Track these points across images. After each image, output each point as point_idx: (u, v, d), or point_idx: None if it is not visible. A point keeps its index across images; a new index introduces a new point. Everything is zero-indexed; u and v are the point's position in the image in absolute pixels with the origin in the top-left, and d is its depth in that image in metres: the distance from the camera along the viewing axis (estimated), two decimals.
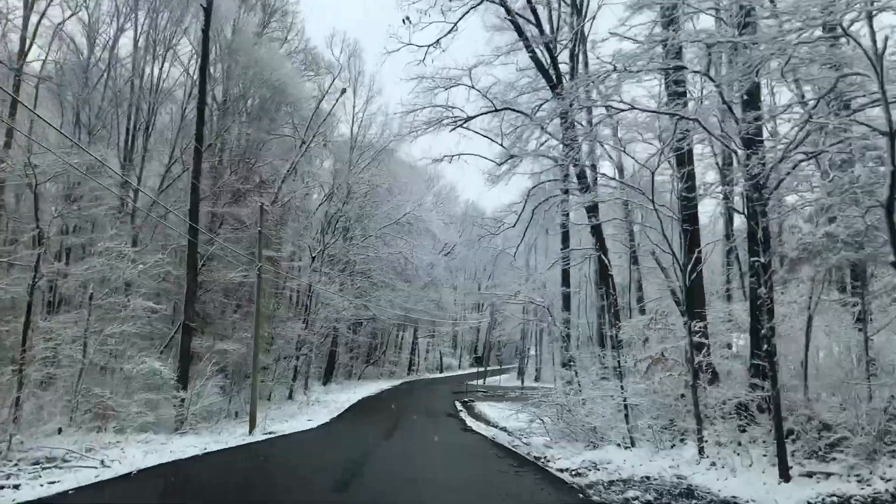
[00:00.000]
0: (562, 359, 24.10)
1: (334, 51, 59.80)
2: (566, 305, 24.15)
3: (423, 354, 77.73)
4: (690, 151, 15.67)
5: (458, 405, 36.75)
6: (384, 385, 49.66)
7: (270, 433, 21.82)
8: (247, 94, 29.69)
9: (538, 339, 61.76)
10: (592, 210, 19.90)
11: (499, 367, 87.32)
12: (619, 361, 13.90)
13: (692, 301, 13.76)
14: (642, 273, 26.33)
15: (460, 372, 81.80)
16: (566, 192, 23.20)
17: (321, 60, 38.56)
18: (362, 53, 69.98)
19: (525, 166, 28.31)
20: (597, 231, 19.82)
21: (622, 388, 13.34)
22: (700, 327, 13.23)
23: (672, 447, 12.41)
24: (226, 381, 25.50)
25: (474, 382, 53.75)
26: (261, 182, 29.93)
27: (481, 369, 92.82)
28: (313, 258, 38.74)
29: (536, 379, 57.84)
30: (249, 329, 28.55)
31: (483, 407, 36.13)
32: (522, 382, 48.56)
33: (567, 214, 23.69)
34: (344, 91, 35.02)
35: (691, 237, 14.30)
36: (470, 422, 28.47)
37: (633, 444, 13.32)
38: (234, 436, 20.92)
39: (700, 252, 14.07)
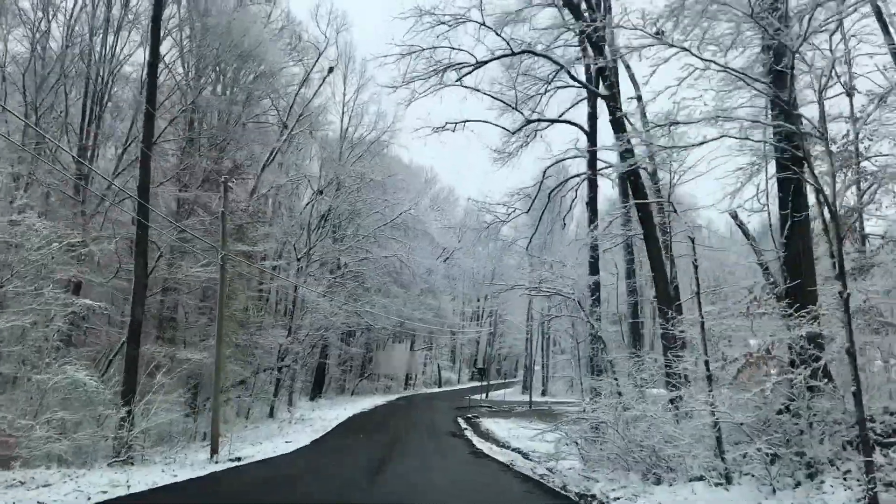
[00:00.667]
0: (594, 363, 19.98)
1: (320, 24, 55.84)
2: (595, 300, 20.10)
3: (421, 368, 73.34)
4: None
5: (462, 422, 32.65)
6: (379, 400, 45.49)
7: (236, 459, 17.71)
8: (220, 63, 25.74)
9: (545, 351, 57.54)
10: (632, 178, 15.93)
11: (501, 381, 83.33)
12: (706, 364, 9.86)
13: (800, 275, 9.85)
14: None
15: (460, 386, 77.57)
16: (592, 164, 19.29)
17: (305, 33, 34.47)
18: (351, 28, 66.08)
19: (536, 149, 24.49)
20: (644, 209, 15.85)
21: (710, 400, 9.36)
22: (814, 314, 9.26)
23: (797, 486, 8.44)
24: (189, 395, 21.38)
25: (477, 397, 49.63)
26: (235, 167, 25.94)
27: (483, 383, 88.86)
28: (299, 259, 34.77)
29: (543, 393, 53.69)
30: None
31: (490, 424, 32.07)
32: (531, 397, 44.34)
33: (594, 191, 19.72)
34: (331, 70, 31.25)
35: (796, 187, 10.36)
36: (478, 442, 24.38)
37: (728, 481, 9.35)
38: (191, 464, 16.82)
39: (807, 205, 10.20)
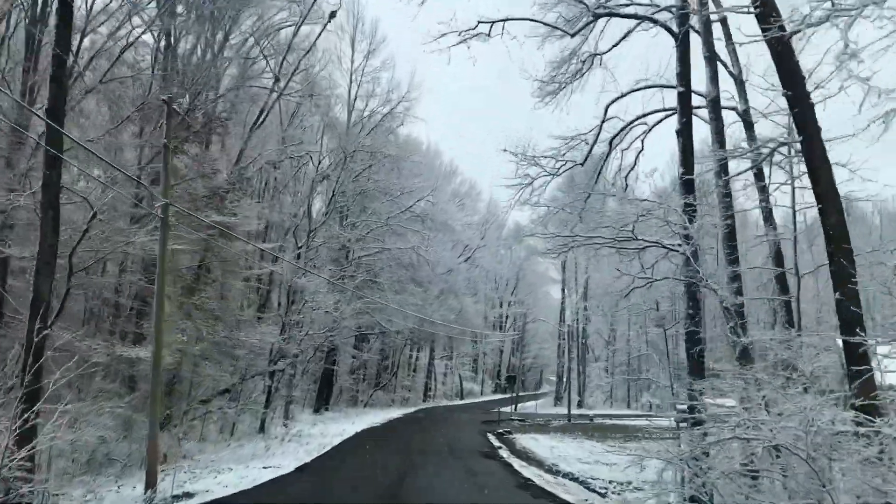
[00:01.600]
0: (695, 357, 14.17)
1: None
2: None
3: (441, 378, 67.40)
4: None
5: (493, 439, 27.02)
6: (395, 413, 39.96)
7: (181, 497, 12.22)
8: None
9: (580, 358, 51.62)
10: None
11: (527, 393, 77.22)
12: None
13: None
14: None
15: (483, 399, 71.64)
16: (685, 79, 13.67)
17: None
18: None
19: (588, 91, 18.86)
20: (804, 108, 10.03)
21: None
22: None
23: None
24: (131, 405, 16.00)
25: (505, 409, 43.88)
26: (210, 121, 20.67)
27: (509, 395, 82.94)
28: (299, 246, 29.39)
29: (580, 405, 47.81)
30: (186, 328, 19.08)
31: (526, 441, 26.41)
32: (569, 409, 38.45)
33: (687, 115, 14.01)
34: (333, 15, 25.97)
35: None
36: (520, 466, 18.73)
37: None
38: None
39: None
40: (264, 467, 15.86)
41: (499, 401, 67.14)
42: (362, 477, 15.24)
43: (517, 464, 19.29)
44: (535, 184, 17.45)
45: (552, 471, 18.51)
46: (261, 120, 25.12)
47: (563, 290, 52.67)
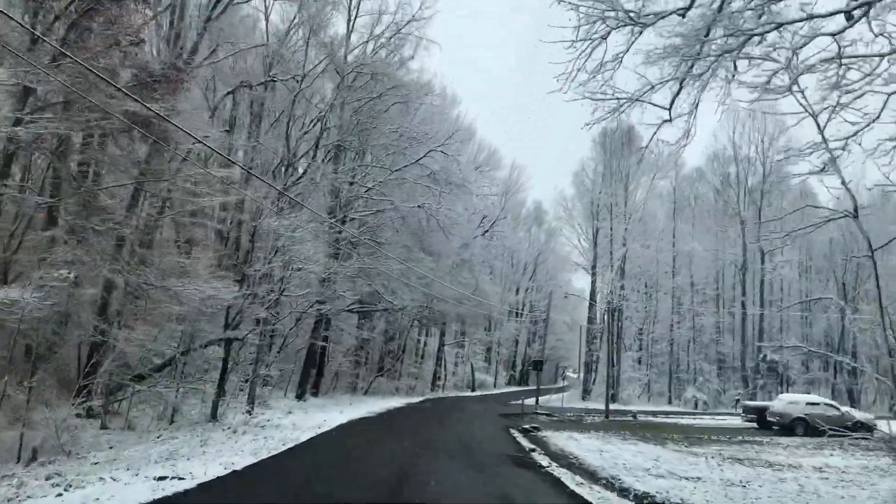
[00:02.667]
0: None
1: None
2: None
3: (452, 368, 61.00)
4: None
5: (520, 437, 20.76)
6: (397, 402, 33.80)
7: None
8: None
9: (613, 346, 44.94)
10: None
11: (547, 387, 70.83)
12: None
13: None
14: None
15: (496, 391, 65.23)
16: None
17: None
18: None
19: None
20: None
21: None
22: None
23: None
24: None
25: (527, 402, 37.52)
26: None
27: (525, 388, 76.64)
28: (284, 186, 23.09)
29: (614, 399, 41.29)
30: (78, 260, 12.86)
31: (564, 442, 20.14)
32: (607, 404, 31.92)
33: None
34: None
35: None
36: (571, 481, 12.40)
37: None
38: None
39: None
40: (158, 478, 9.55)
41: (514, 393, 61.17)
42: (329, 489, 8.96)
43: (565, 476, 12.97)
44: (609, 44, 10.89)
45: (616, 488, 12.22)
46: (220, 10, 18.80)
47: (593, 266, 46.04)
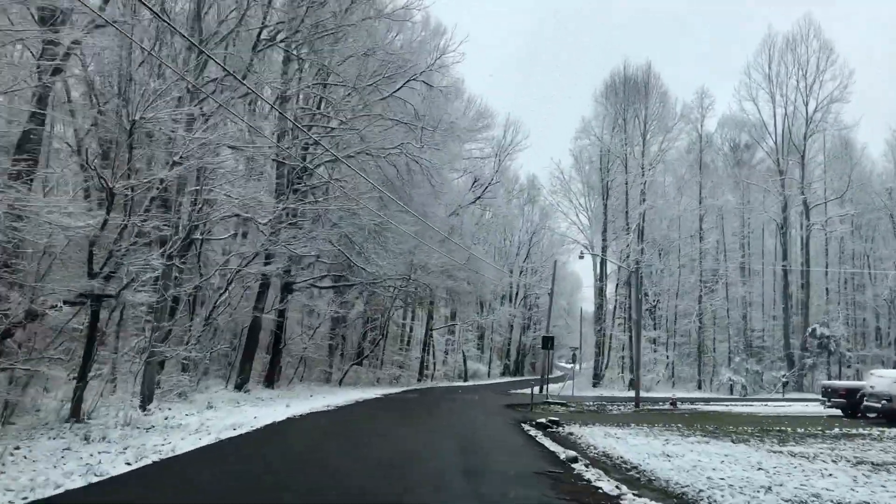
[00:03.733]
0: None
1: None
2: None
3: (441, 357, 54.37)
4: None
5: (541, 437, 14.47)
6: (375, 393, 27.47)
7: None
8: None
9: (630, 325, 38.49)
10: None
11: (554, 375, 64.54)
12: None
13: None
14: None
15: (491, 381, 58.89)
16: None
17: None
18: None
19: None
20: None
21: None
22: None
23: None
24: None
25: (526, 391, 31.28)
26: None
27: (517, 378, 70.47)
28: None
29: (630, 386, 35.07)
30: None
31: (603, 441, 14.07)
32: (637, 392, 25.63)
33: None
34: None
35: None
36: None
37: None
38: None
39: None
40: None
41: (512, 383, 55.03)
42: None
43: None
44: None
45: None
46: None
47: (603, 232, 39.45)
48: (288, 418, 14.63)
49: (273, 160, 20.22)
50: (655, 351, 37.14)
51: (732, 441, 14.62)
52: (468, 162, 40.81)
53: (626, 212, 37.78)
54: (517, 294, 71.34)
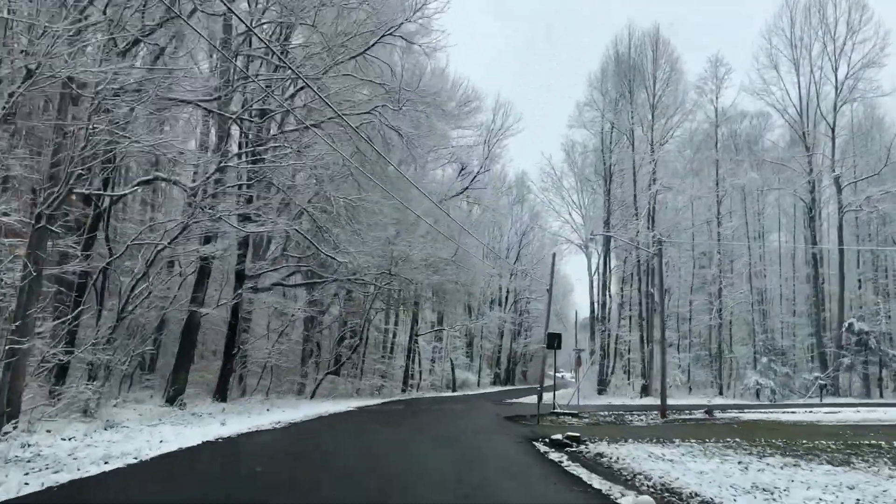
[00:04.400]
0: None
1: None
2: None
3: (428, 365, 49.94)
4: None
5: (566, 461, 10.25)
6: (352, 405, 23.27)
7: None
8: None
9: (646, 324, 34.20)
10: None
11: (532, 387, 60.23)
12: None
13: None
14: None
15: (481, 390, 54.66)
16: None
17: None
18: None
19: None
20: None
21: None
22: None
23: None
24: None
25: (523, 401, 27.26)
26: None
27: (509, 388, 66.25)
28: None
29: (646, 391, 31.03)
30: None
31: (652, 465, 9.82)
32: (663, 398, 21.54)
33: None
34: None
35: None
36: None
37: None
38: None
39: None
40: None
41: (505, 393, 50.86)
42: None
43: None
44: None
45: None
46: None
47: (605, 221, 35.29)
48: (205, 443, 10.41)
49: (215, 113, 16.06)
50: (667, 353, 33.07)
51: (830, 463, 10.61)
52: (455, 149, 36.83)
53: (635, 195, 33.69)
54: (507, 298, 67.52)
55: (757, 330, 33.18)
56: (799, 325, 35.18)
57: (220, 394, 20.18)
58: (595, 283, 36.77)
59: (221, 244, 15.82)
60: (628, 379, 33.89)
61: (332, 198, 20.46)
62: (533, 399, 35.02)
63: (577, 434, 13.87)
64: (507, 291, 66.01)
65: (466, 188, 39.69)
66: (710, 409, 21.25)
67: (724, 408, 22.64)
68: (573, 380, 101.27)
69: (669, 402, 26.80)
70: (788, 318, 35.74)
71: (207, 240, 15.66)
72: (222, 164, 14.10)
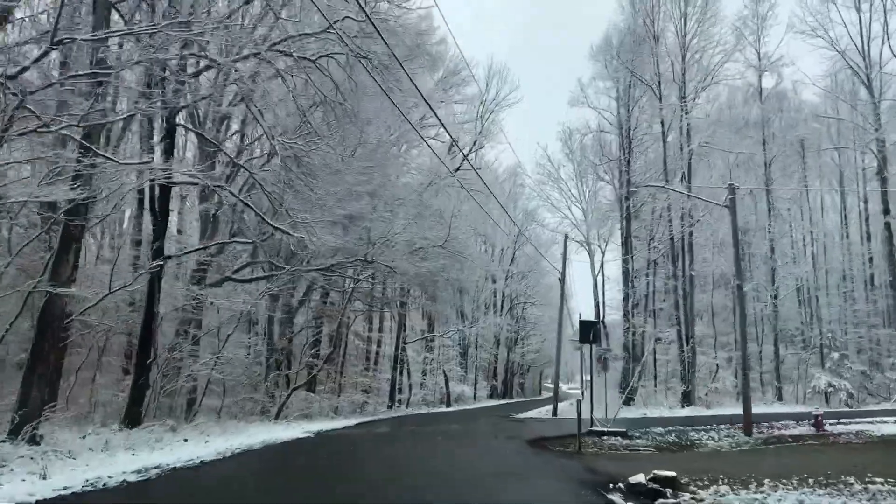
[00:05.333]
0: None
1: None
2: None
3: (418, 378, 43.75)
4: None
5: None
6: (320, 427, 17.49)
7: None
8: None
9: (684, 329, 27.54)
10: None
11: (533, 399, 54.42)
12: None
13: None
14: None
15: (478, 404, 48.76)
16: None
17: None
18: None
19: None
20: None
21: None
22: None
23: None
24: None
25: (525, 415, 21.55)
26: None
27: (508, 401, 60.44)
28: None
29: (688, 399, 25.19)
30: None
31: None
32: (748, 409, 15.62)
33: None
34: None
35: None
36: None
37: None
38: None
39: None
40: None
41: (505, 407, 45.22)
42: None
43: None
44: None
45: None
46: None
47: (624, 190, 28.96)
48: None
49: None
50: (704, 353, 27.24)
51: None
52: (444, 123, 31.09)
53: (664, 158, 27.67)
54: (503, 304, 61.95)
55: (823, 317, 27.38)
56: (852, 311, 29.37)
57: (131, 418, 14.35)
58: (599, 283, 31.21)
59: (81, 189, 9.98)
60: (656, 385, 28.10)
61: (278, 144, 14.70)
62: (543, 411, 29.28)
63: (667, 473, 8.16)
64: (503, 296, 60.38)
65: (458, 168, 33.96)
66: (818, 420, 15.46)
67: (815, 418, 16.85)
68: (575, 390, 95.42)
69: (722, 411, 21.12)
70: (833, 302, 29.95)
71: (74, 184, 9.88)
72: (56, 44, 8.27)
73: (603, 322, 50.15)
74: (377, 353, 36.86)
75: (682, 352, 24.14)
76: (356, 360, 35.42)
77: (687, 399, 24.35)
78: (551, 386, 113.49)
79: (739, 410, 15.30)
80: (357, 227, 21.90)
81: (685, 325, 25.09)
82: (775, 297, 26.91)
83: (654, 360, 29.25)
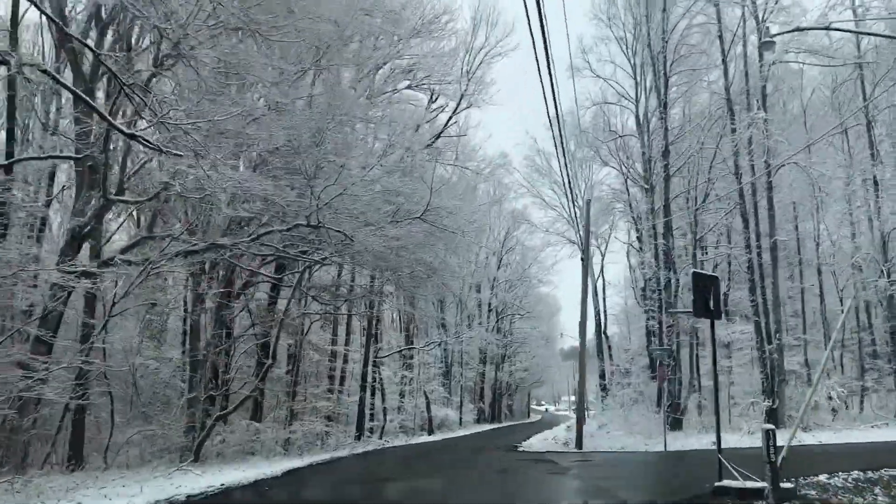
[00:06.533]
0: None
1: None
2: None
3: (395, 401, 36.10)
4: None
5: None
6: (247, 475, 10.47)
7: None
8: None
9: (764, 320, 20.10)
10: None
11: (523, 422, 47.32)
12: None
13: None
14: None
15: (465, 431, 41.67)
16: None
17: None
18: None
19: None
20: None
21: None
22: None
23: None
24: None
25: (531, 441, 14.72)
26: None
27: (497, 425, 53.68)
28: None
29: (770, 422, 18.20)
30: None
31: None
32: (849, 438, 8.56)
33: None
34: None
35: None
36: None
37: None
38: None
39: None
40: None
41: (499, 433, 38.63)
42: None
43: None
44: None
45: None
46: None
47: (642, 118, 21.98)
48: None
49: None
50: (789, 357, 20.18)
51: None
52: (419, 61, 24.18)
53: (727, 87, 20.11)
54: (489, 316, 55.20)
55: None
56: None
57: None
58: (600, 288, 24.41)
59: None
60: (728, 405, 21.22)
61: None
62: (551, 438, 22.57)
63: None
64: (489, 307, 53.61)
65: (439, 135, 27.08)
66: None
67: None
68: (563, 411, 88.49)
69: (840, 439, 14.27)
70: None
71: None
72: None
73: (605, 333, 43.55)
74: (343, 370, 29.46)
75: (764, 353, 17.24)
76: (316, 379, 28.12)
77: (772, 418, 17.40)
78: (538, 408, 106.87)
79: (863, 437, 8.66)
80: (297, 179, 14.87)
81: (767, 314, 18.04)
82: (888, 273, 19.86)
83: (696, 367, 22.44)
